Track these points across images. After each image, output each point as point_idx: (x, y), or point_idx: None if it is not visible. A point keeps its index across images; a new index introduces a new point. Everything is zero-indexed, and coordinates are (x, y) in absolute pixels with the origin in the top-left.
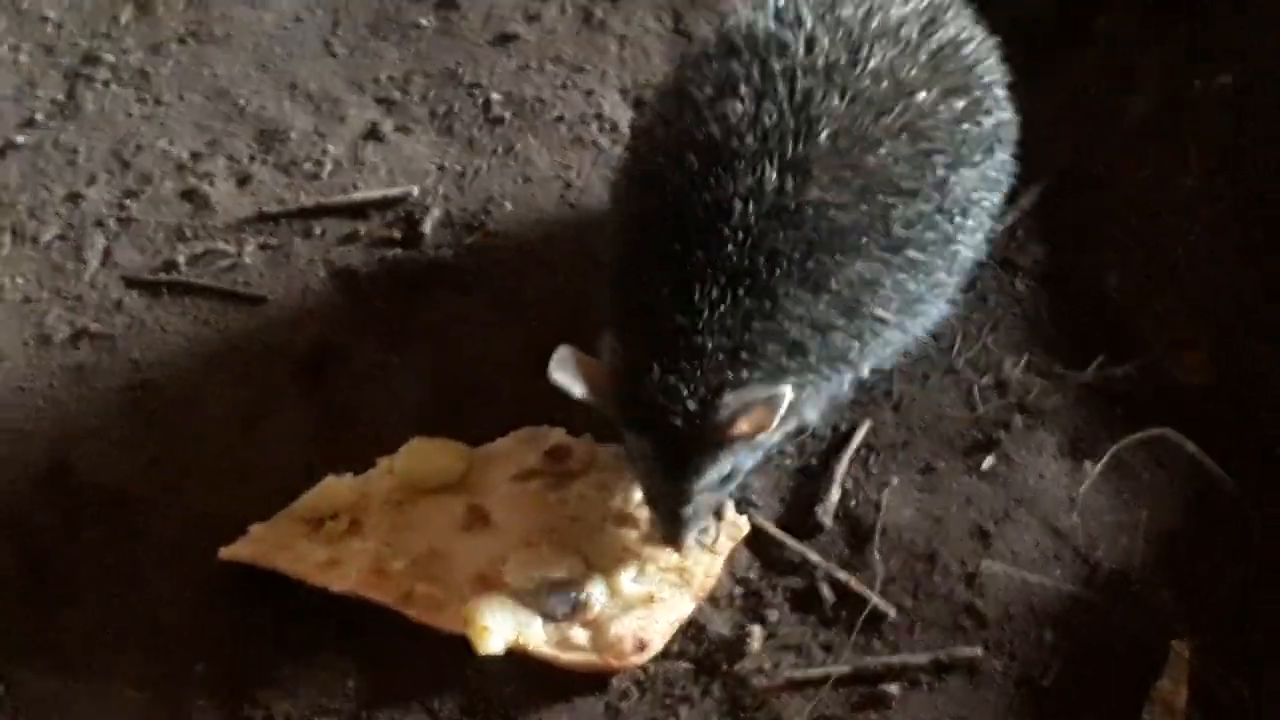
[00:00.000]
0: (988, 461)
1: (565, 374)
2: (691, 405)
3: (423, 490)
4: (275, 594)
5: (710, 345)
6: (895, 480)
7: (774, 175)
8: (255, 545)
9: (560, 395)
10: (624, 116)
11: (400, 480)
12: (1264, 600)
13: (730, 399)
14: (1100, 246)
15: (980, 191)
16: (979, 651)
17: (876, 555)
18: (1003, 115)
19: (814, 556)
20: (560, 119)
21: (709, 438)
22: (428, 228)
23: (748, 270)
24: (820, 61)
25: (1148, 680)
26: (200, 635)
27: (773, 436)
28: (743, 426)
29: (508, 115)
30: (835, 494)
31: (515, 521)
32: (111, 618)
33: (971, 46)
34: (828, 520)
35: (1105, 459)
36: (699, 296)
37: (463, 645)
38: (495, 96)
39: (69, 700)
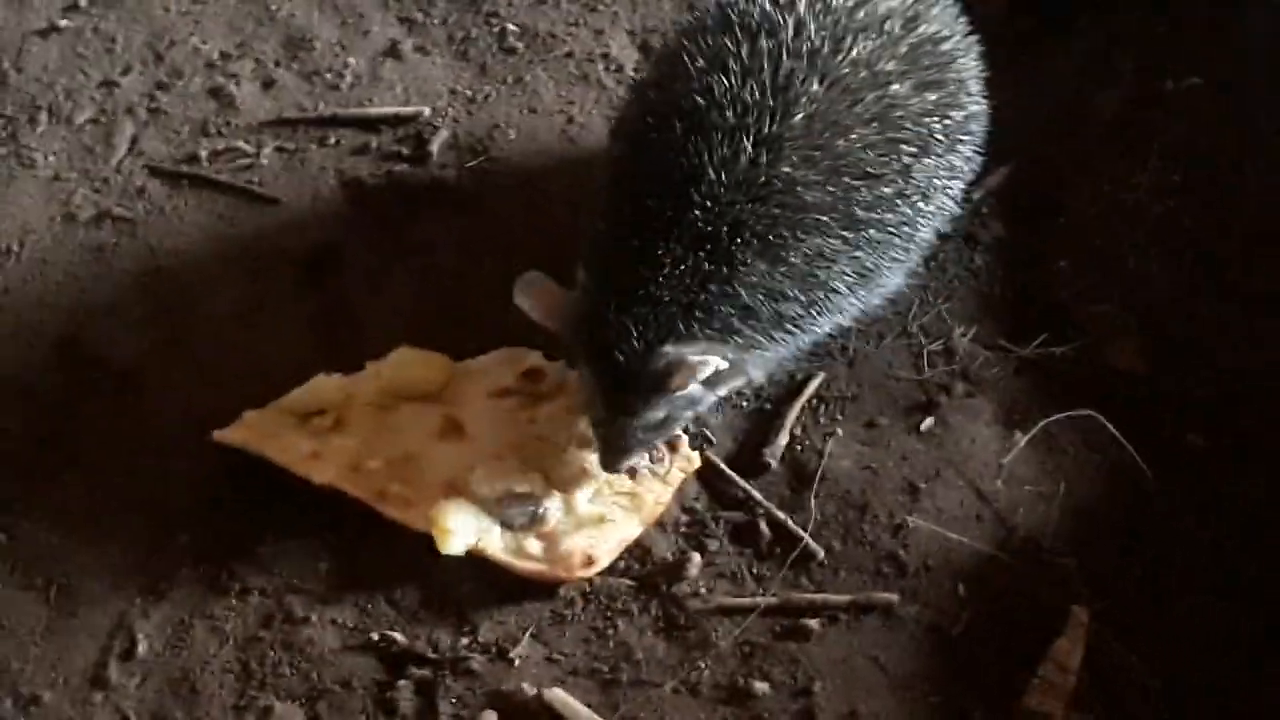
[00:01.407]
0: (926, 423)
1: (527, 297)
2: (637, 347)
3: (405, 396)
4: (261, 479)
5: (666, 298)
6: (840, 431)
7: (748, 148)
8: (247, 431)
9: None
10: (630, 59)
11: (385, 385)
12: (1160, 579)
13: (669, 350)
14: (1056, 231)
15: (943, 179)
16: (895, 597)
17: (814, 500)
18: (973, 109)
19: (757, 495)
20: (570, 55)
21: (646, 382)
22: (435, 147)
23: (711, 235)
24: (805, 47)
25: (1047, 639)
26: (188, 509)
27: (716, 392)
28: (675, 380)
29: (521, 46)
30: (784, 439)
31: (486, 434)
32: (109, 485)
33: (950, 43)
34: (774, 462)
35: (1033, 432)
36: (663, 252)
37: (427, 544)
38: (511, 27)
39: (65, 554)
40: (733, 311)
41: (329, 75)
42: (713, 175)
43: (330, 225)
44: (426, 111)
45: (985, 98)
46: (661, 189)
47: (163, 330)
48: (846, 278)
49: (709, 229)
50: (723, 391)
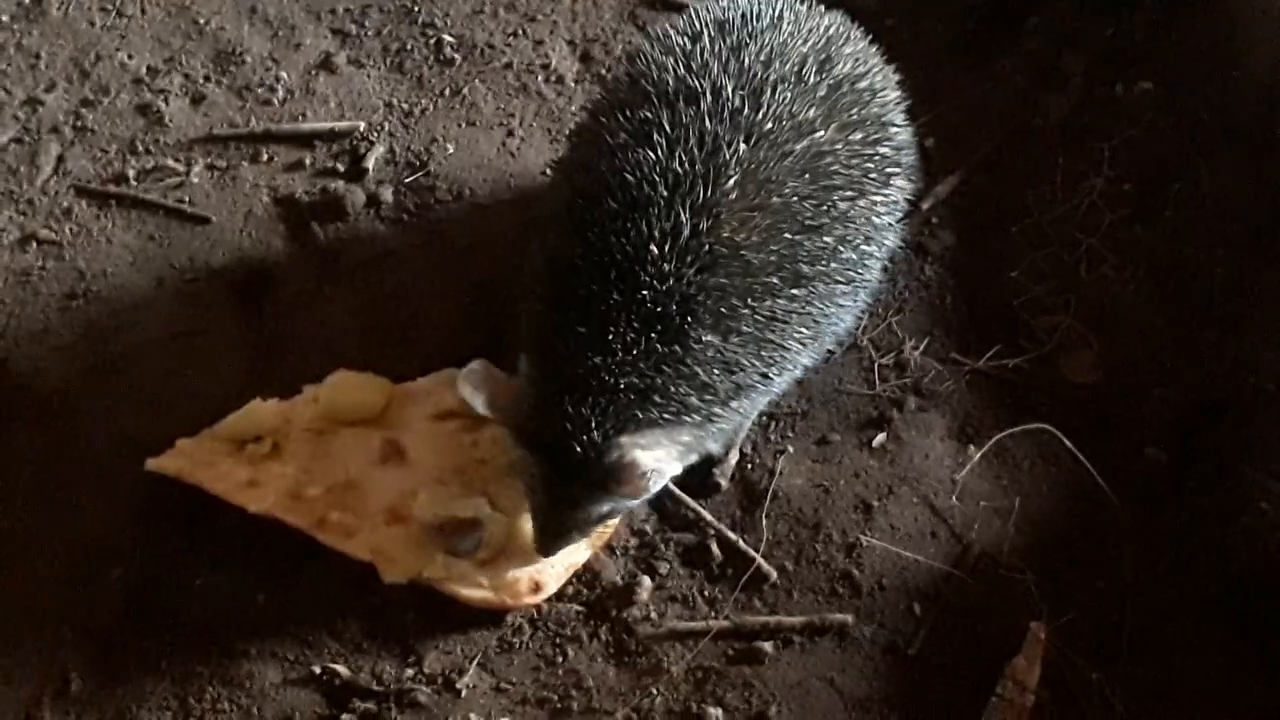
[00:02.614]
0: (879, 438)
1: (472, 388)
2: (596, 439)
3: (344, 421)
4: (195, 508)
5: (622, 385)
6: (791, 449)
7: (687, 219)
8: (180, 460)
9: (482, 341)
10: (571, 69)
11: (323, 410)
12: (1119, 593)
13: (625, 441)
14: (1008, 240)
15: (881, 215)
16: (850, 618)
17: (765, 519)
18: (899, 139)
19: (707, 515)
20: (509, 66)
21: (595, 475)
22: (371, 163)
23: (661, 315)
24: (726, 108)
25: (1005, 657)
26: (121, 540)
27: (670, 474)
28: (624, 483)
29: (458, 58)
30: (734, 457)
31: (429, 458)
32: (38, 516)
33: (867, 79)
34: (724, 482)
35: (987, 447)
36: (614, 337)
37: (369, 573)
38: (448, 38)
39: None
40: (690, 391)
41: (260, 90)
42: (656, 250)
43: (264, 245)
44: (362, 126)
45: (910, 123)
46: (605, 272)
47: (92, 355)
48: (800, 333)
49: (659, 309)
50: (678, 469)
